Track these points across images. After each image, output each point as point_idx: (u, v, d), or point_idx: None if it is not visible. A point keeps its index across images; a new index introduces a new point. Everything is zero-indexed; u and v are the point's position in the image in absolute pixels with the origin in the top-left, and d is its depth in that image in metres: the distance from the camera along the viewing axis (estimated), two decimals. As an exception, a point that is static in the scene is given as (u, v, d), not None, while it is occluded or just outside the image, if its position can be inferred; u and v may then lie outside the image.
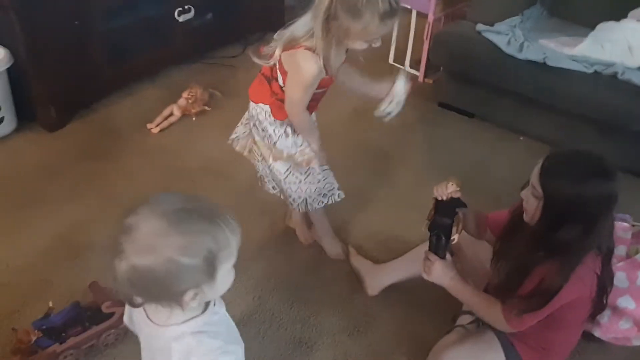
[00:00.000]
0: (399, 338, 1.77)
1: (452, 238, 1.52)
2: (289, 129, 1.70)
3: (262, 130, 1.72)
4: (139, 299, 0.97)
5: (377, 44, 1.51)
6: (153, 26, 2.79)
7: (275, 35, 1.58)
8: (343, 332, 1.78)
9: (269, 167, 1.79)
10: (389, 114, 1.68)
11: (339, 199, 1.87)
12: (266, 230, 2.11)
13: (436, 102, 2.85)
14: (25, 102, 2.49)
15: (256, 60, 1.60)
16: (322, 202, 1.85)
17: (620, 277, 1.67)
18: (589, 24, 2.48)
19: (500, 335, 1.53)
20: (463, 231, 1.60)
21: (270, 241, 2.03)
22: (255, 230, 2.08)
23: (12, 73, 2.39)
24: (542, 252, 1.35)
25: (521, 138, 2.64)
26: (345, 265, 2.00)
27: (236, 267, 2.02)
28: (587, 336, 1.68)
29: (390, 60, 3.21)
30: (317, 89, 1.60)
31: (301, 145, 1.73)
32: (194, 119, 2.67)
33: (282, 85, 1.60)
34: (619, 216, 2.00)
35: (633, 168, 2.41)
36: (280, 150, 1.72)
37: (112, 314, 1.64)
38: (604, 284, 1.40)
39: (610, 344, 1.72)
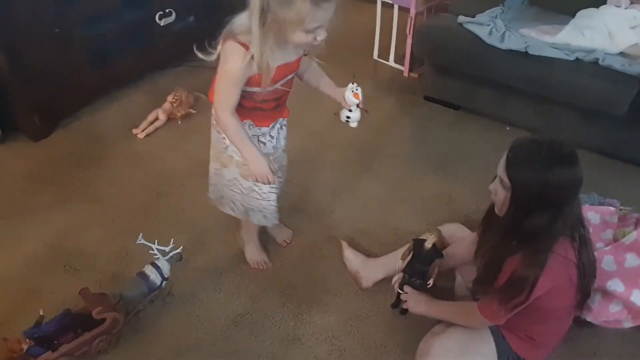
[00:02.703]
0: (392, 330, 1.77)
1: (428, 283, 1.69)
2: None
3: (217, 131, 1.67)
4: None
5: (321, 37, 1.40)
6: (134, 31, 2.78)
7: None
8: (336, 327, 1.78)
9: (215, 169, 1.76)
10: (348, 119, 1.66)
11: (275, 223, 1.85)
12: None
13: (421, 96, 2.87)
14: (8, 112, 2.47)
15: (199, 54, 1.53)
16: (261, 221, 1.82)
17: (608, 261, 1.68)
18: (569, 12, 2.51)
19: (491, 326, 1.54)
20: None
21: (261, 240, 2.02)
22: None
23: (-7, 83, 2.38)
24: (513, 242, 1.37)
25: (507, 128, 2.66)
26: (336, 261, 2.00)
27: (227, 266, 2.04)
28: (579, 321, 1.70)
29: (375, 56, 3.22)
30: (251, 87, 1.51)
31: None
32: (179, 122, 2.66)
33: None
34: (607, 201, 2.02)
35: (617, 153, 2.44)
36: (230, 156, 1.67)
37: (103, 320, 1.63)
38: (583, 270, 1.40)
39: (602, 328, 1.73)
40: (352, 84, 1.62)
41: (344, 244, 2.00)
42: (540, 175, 1.29)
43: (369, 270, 1.90)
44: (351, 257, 1.96)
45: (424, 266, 1.67)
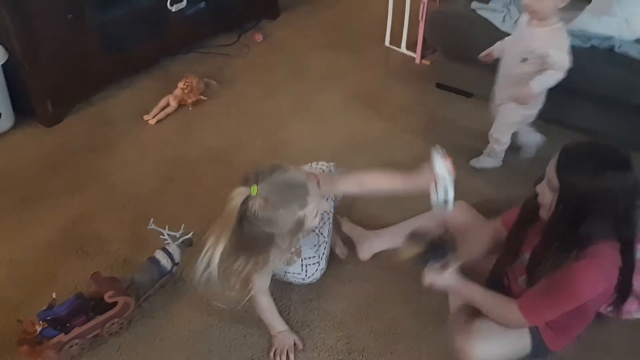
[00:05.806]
0: (401, 317, 1.77)
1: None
2: None
3: None
4: None
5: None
6: (146, 17, 2.78)
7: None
8: (345, 314, 1.79)
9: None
10: (446, 202, 1.41)
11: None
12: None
13: (434, 83, 2.84)
14: (22, 98, 2.50)
15: None
16: None
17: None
18: (585, -2, 2.46)
19: None
20: None
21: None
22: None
23: (7, 69, 2.40)
24: (562, 246, 1.35)
25: (520, 116, 2.62)
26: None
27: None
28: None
29: (387, 43, 3.19)
30: None
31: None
32: (190, 108, 2.67)
33: None
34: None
35: (632, 142, 2.39)
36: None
37: (115, 304, 1.66)
38: (628, 272, 1.39)
39: (611, 317, 1.72)
40: (437, 150, 1.40)
41: (344, 219, 2.02)
42: (592, 180, 1.28)
43: (367, 243, 1.94)
44: (349, 231, 2.00)
45: (439, 257, 1.50)
